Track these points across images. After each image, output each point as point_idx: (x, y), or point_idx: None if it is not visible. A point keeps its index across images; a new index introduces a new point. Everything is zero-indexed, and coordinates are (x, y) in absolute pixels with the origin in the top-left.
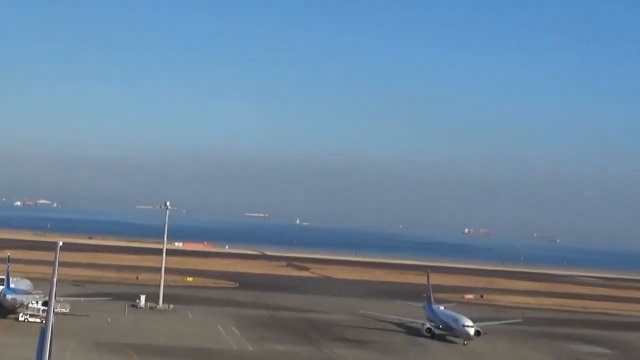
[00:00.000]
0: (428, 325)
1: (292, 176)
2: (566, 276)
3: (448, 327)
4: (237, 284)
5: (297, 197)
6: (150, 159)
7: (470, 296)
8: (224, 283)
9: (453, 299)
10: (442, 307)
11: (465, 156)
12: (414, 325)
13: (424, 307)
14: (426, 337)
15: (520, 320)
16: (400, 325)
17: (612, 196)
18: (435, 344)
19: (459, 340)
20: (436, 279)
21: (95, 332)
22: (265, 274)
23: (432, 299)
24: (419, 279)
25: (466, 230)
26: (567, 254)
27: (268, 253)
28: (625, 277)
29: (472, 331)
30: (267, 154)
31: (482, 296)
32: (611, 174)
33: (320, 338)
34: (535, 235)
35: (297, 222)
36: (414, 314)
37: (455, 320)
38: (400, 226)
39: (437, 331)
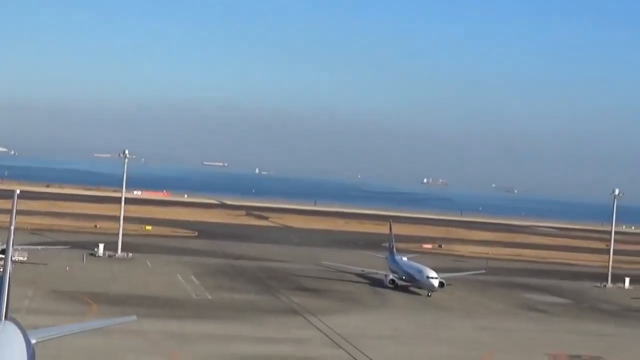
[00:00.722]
0: (391, 276)
1: (251, 126)
2: (524, 226)
3: (411, 279)
4: (196, 233)
5: (256, 147)
6: (108, 108)
7: (429, 246)
8: (182, 232)
9: (411, 249)
10: (405, 258)
11: (425, 108)
12: (377, 276)
13: (386, 258)
14: (389, 288)
15: (484, 271)
16: (362, 276)
17: (569, 148)
18: (398, 294)
19: (423, 292)
20: (394, 229)
21: (53, 281)
22: (224, 223)
23: (394, 250)
24: (378, 229)
25: (425, 181)
26: (525, 205)
27: (227, 202)
28: (581, 227)
29: (436, 283)
30: (226, 103)
31: (440, 246)
32: (569, 125)
33: (279, 287)
34: (494, 185)
35: (256, 171)
36: (376, 265)
37: (419, 271)
38: (359, 176)
39: (400, 282)
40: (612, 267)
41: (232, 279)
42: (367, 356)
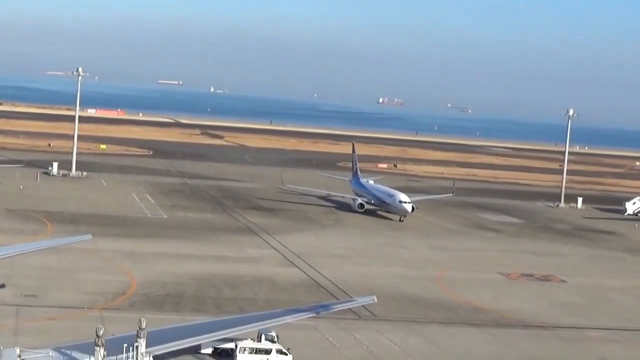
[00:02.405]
0: (360, 200)
1: (206, 44)
2: (478, 146)
3: (381, 203)
4: (151, 152)
5: (212, 65)
6: (63, 25)
7: (384, 165)
8: (137, 151)
9: (366, 169)
10: (371, 181)
11: (379, 25)
12: (344, 200)
13: (350, 181)
14: (359, 212)
15: (452, 194)
16: (327, 199)
17: (524, 67)
18: (364, 218)
19: (394, 217)
20: (349, 149)
21: (6, 199)
22: (179, 142)
23: (359, 172)
24: (333, 148)
25: (380, 100)
26: (480, 125)
27: (182, 121)
28: (535, 147)
29: (409, 207)
30: (181, 22)
31: (395, 165)
32: (524, 44)
33: (235, 206)
34: (449, 105)
35: (212, 89)
36: (338, 187)
37: (390, 195)
38: (315, 95)
39: (369, 207)
40: (565, 187)
41: (187, 198)
42: (321, 274)
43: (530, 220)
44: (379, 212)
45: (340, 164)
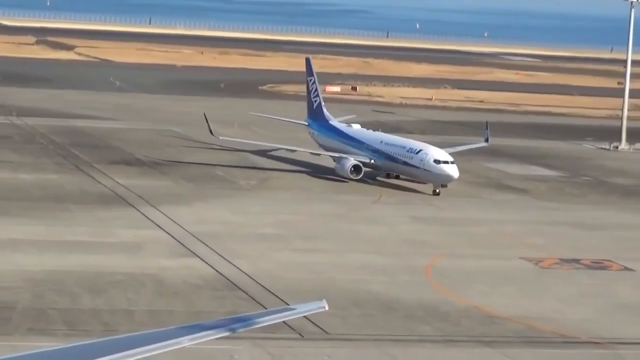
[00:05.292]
0: (353, 160)
1: None
2: (487, 55)
3: (392, 163)
4: None
5: None
6: None
7: (336, 88)
8: None
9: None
10: (357, 126)
11: None
12: (333, 157)
13: (308, 125)
14: (352, 180)
15: (485, 142)
16: (283, 159)
17: None
18: (310, 179)
19: (423, 187)
20: (280, 61)
21: None
22: (1, 57)
23: (324, 109)
24: (252, 62)
25: None
26: (490, 20)
27: (5, 22)
28: (577, 54)
29: (454, 170)
30: None
31: (354, 88)
32: None
33: (94, 161)
34: None
35: None
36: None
37: (414, 150)
38: None
39: (367, 169)
40: (629, 119)
41: (15, 149)
42: (238, 268)
43: (571, 172)
44: (377, 178)
45: (265, 87)
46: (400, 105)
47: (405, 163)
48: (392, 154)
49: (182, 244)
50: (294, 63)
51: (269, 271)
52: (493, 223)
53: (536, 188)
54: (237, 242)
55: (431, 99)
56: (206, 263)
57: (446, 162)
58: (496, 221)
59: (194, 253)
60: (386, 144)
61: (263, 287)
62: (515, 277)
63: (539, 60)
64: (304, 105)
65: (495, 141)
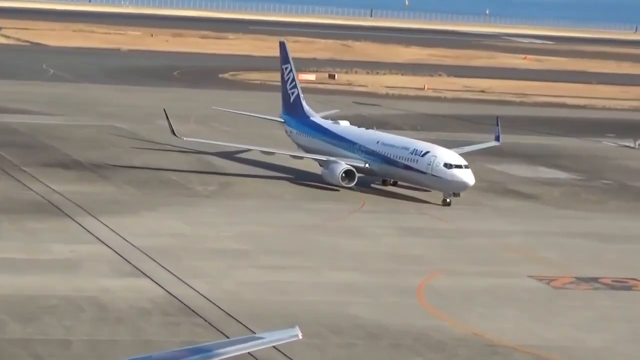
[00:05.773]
0: (344, 165)
1: None
2: (489, 36)
3: (392, 168)
4: None
5: None
6: None
7: (310, 76)
8: None
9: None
10: (345, 123)
11: None
12: (319, 161)
13: (283, 121)
14: (343, 187)
15: (497, 141)
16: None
17: None
18: (279, 183)
19: (431, 195)
20: (245, 44)
21: None
22: None
23: (303, 102)
24: (213, 45)
25: None
26: None
27: None
28: (595, 36)
29: (469, 176)
30: None
31: (332, 76)
32: None
33: (22, 163)
34: None
35: None
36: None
37: (420, 153)
38: None
39: (361, 175)
40: None
41: None
42: (195, 290)
43: (589, 174)
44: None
45: (226, 75)
46: (387, 96)
47: (409, 167)
48: (391, 157)
49: (128, 261)
50: (261, 47)
51: (231, 293)
52: (497, 235)
53: (547, 193)
54: (193, 258)
55: (423, 89)
56: (156, 283)
57: (459, 167)
58: (500, 233)
59: (141, 271)
60: (384, 144)
61: (224, 311)
62: (523, 299)
63: (550, 42)
64: (272, 96)
65: (507, 137)
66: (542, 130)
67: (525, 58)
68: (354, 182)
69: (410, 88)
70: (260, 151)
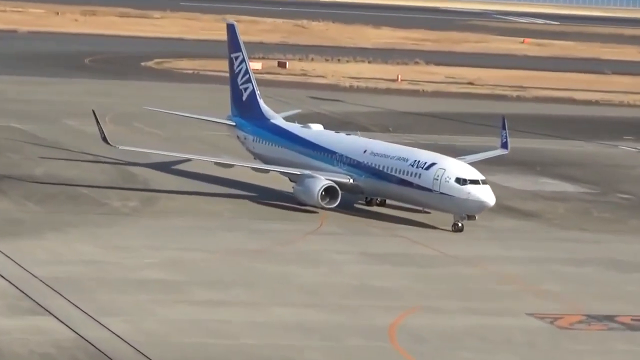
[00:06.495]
0: (324, 180)
1: None
2: (478, 14)
3: (384, 186)
4: None
5: None
6: None
7: (256, 65)
8: None
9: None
10: (319, 126)
11: None
12: (289, 175)
13: (234, 125)
14: (324, 208)
15: (504, 149)
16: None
17: None
18: (220, 200)
19: (431, 218)
20: (173, 25)
21: None
22: None
23: (260, 100)
24: (121, 26)
25: None
26: None
27: None
28: (608, 14)
29: (489, 195)
30: None
31: (282, 64)
32: None
33: None
34: None
35: None
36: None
37: (424, 166)
38: None
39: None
40: None
41: None
42: (110, 331)
43: (603, 187)
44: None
45: (151, 63)
46: (350, 89)
47: (407, 183)
48: (384, 170)
49: (27, 295)
50: (194, 28)
51: (155, 334)
52: (490, 262)
53: (552, 210)
54: (108, 291)
55: (396, 80)
56: (62, 323)
57: (475, 182)
58: (494, 259)
59: (44, 308)
60: (374, 154)
61: (146, 357)
62: (520, 343)
63: (554, 22)
64: (209, 89)
65: (492, 141)
66: (544, 131)
67: (523, 42)
68: (337, 202)
69: (380, 79)
70: (215, 163)
